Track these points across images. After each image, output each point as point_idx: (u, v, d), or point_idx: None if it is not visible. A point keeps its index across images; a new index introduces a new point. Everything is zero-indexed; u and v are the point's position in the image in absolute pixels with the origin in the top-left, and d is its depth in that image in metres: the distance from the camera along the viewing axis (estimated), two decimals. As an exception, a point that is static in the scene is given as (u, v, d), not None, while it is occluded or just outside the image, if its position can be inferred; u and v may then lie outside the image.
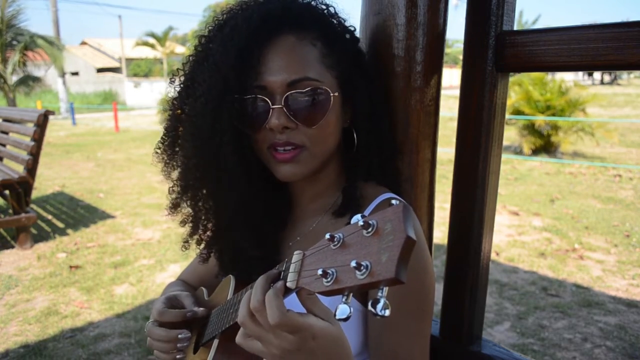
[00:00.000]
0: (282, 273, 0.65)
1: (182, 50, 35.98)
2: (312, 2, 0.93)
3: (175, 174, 0.98)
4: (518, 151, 9.80)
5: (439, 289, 1.39)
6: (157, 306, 0.97)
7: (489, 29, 1.01)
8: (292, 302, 0.67)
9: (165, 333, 0.94)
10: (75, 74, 37.31)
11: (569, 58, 0.90)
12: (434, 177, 1.10)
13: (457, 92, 1.18)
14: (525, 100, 9.64)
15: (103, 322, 3.30)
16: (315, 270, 0.55)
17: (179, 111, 0.96)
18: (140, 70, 39.73)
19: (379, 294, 0.48)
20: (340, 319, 0.54)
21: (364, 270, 0.49)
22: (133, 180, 7.98)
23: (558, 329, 3.17)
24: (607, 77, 43.42)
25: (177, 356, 0.95)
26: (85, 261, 4.42)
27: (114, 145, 12.24)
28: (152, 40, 35.66)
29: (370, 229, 0.50)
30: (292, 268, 0.62)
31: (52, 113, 4.79)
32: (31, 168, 4.62)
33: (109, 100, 28.81)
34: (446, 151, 7.97)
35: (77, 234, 5.19)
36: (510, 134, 10.23)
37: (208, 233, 1.01)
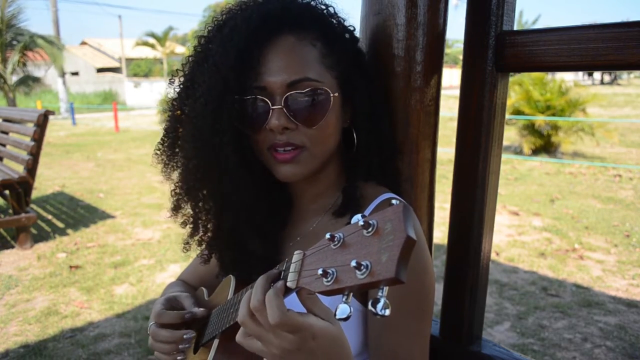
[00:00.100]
0: (283, 273, 0.65)
1: (182, 50, 35.97)
2: (312, 2, 0.93)
3: (175, 175, 0.98)
4: (518, 151, 9.80)
5: (439, 289, 1.39)
6: (156, 308, 0.97)
7: (489, 29, 1.01)
8: (293, 302, 0.67)
9: (170, 334, 0.94)
10: (75, 74, 37.31)
11: (569, 58, 0.90)
12: (434, 177, 1.10)
13: (457, 92, 1.18)
14: (525, 100, 9.64)
15: (103, 322, 3.30)
16: (316, 270, 0.55)
17: (179, 112, 0.96)
18: (140, 70, 39.73)
19: (379, 293, 0.49)
20: (340, 319, 0.54)
21: (364, 270, 0.49)
22: (133, 180, 7.98)
23: (558, 329, 3.17)
24: (607, 77, 43.42)
25: (179, 357, 0.95)
26: (85, 261, 4.42)
27: (114, 145, 12.24)
28: (152, 40, 35.67)
29: (370, 229, 0.50)
30: (292, 268, 0.62)
31: (52, 113, 4.79)
32: (31, 168, 4.62)
33: (109, 100, 28.81)
34: (446, 151, 7.97)
35: (77, 234, 5.19)
36: (510, 134, 10.23)
37: (208, 234, 1.01)
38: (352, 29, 0.96)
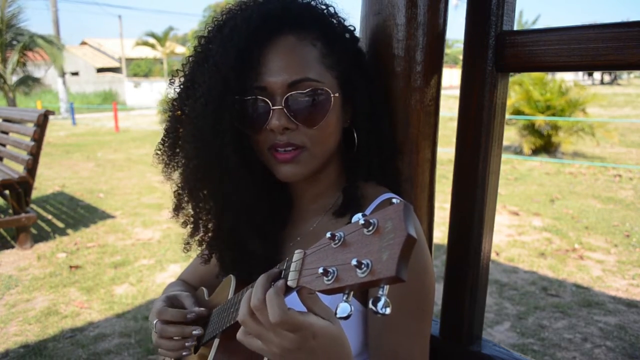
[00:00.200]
0: (283, 272, 0.65)
1: (182, 50, 35.98)
2: (312, 2, 0.93)
3: (176, 175, 0.98)
4: (518, 151, 9.80)
5: (439, 289, 1.39)
6: (157, 305, 0.97)
7: (489, 29, 1.01)
8: (293, 302, 0.67)
9: (179, 330, 0.93)
10: (75, 74, 37.31)
11: (569, 58, 0.91)
12: (434, 177, 1.10)
13: (457, 92, 1.18)
14: (525, 100, 9.64)
15: (103, 322, 3.30)
16: (316, 269, 0.55)
17: (179, 112, 0.96)
18: (140, 70, 39.73)
19: (380, 292, 0.49)
20: (341, 318, 0.54)
21: (365, 268, 0.49)
22: (133, 180, 7.98)
23: (558, 329, 3.17)
24: (607, 77, 43.43)
25: (184, 352, 0.95)
26: (85, 261, 4.42)
27: (114, 145, 12.24)
28: (152, 40, 35.67)
29: (371, 228, 0.50)
30: (293, 267, 0.62)
31: (52, 113, 4.79)
32: (31, 168, 4.62)
33: (109, 100, 28.81)
34: (446, 151, 7.97)
35: (77, 234, 5.19)
36: (510, 134, 10.23)
37: (209, 234, 1.01)
38: (352, 29, 0.96)
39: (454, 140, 1.13)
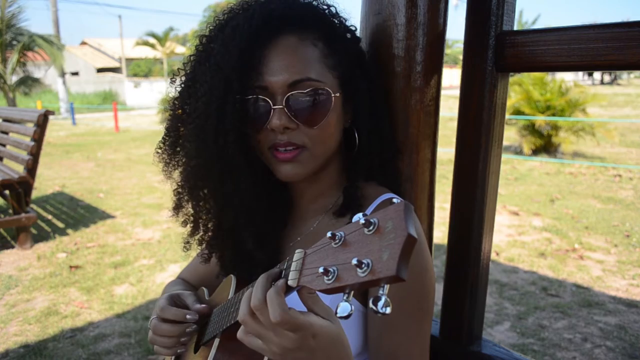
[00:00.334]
0: (284, 271, 0.65)
1: (182, 50, 35.98)
2: (314, 2, 0.93)
3: (176, 174, 0.98)
4: (518, 151, 9.80)
5: (439, 289, 1.39)
6: (160, 303, 0.97)
7: (489, 29, 1.01)
8: (292, 302, 0.67)
9: (172, 328, 0.94)
10: (75, 74, 37.32)
11: (569, 58, 0.91)
12: (434, 177, 1.10)
13: (457, 92, 1.18)
14: (525, 100, 9.64)
15: (103, 322, 3.30)
16: (317, 269, 0.56)
17: (180, 111, 0.96)
18: (140, 70, 39.73)
19: (380, 291, 0.49)
20: (341, 317, 0.54)
21: (365, 268, 0.49)
22: (133, 180, 7.98)
23: (558, 329, 3.17)
24: (607, 77, 43.43)
25: (179, 350, 0.95)
26: (85, 261, 4.42)
27: (114, 145, 12.24)
28: (152, 40, 35.67)
29: (371, 227, 0.51)
30: (293, 266, 0.62)
31: (52, 113, 4.79)
32: (31, 168, 4.62)
33: (109, 100, 28.81)
34: (446, 151, 7.97)
35: (77, 234, 5.19)
36: (510, 134, 10.23)
37: (209, 233, 1.01)
38: (353, 29, 0.97)
39: (454, 140, 1.13)
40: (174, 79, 0.98)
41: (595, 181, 7.44)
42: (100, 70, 37.28)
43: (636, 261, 4.28)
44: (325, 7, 0.94)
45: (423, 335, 0.89)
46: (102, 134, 15.18)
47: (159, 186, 7.22)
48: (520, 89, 9.91)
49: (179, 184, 0.98)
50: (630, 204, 6.10)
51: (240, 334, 0.70)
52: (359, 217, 0.52)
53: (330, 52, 0.90)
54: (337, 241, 0.55)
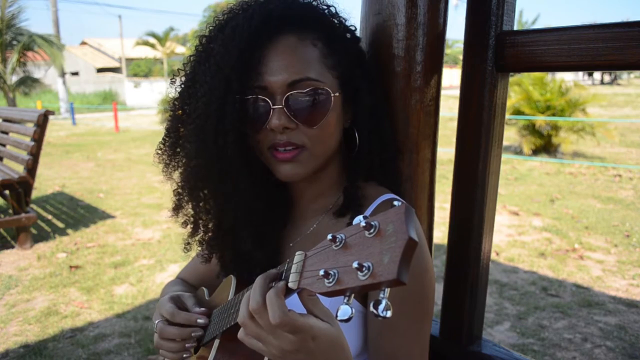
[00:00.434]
0: (284, 273, 0.65)
1: (182, 50, 35.98)
2: (314, 2, 0.93)
3: (176, 175, 0.98)
4: (518, 151, 9.80)
5: (439, 289, 1.39)
6: (167, 307, 0.95)
7: (489, 29, 1.01)
8: (292, 304, 0.67)
9: (179, 331, 0.92)
10: (75, 74, 37.32)
11: (569, 58, 0.91)
12: (434, 177, 1.10)
13: (457, 92, 1.18)
14: (525, 100, 9.64)
15: (103, 322, 3.30)
16: (317, 271, 0.55)
17: (180, 111, 0.96)
18: (140, 70, 39.73)
19: (381, 295, 0.49)
20: (341, 320, 0.54)
21: (366, 271, 0.49)
22: (133, 180, 7.98)
23: (558, 329, 3.17)
24: (607, 77, 43.43)
25: (185, 354, 0.94)
26: (85, 261, 4.42)
27: (114, 145, 12.24)
28: (152, 40, 35.67)
29: (372, 230, 0.50)
30: (294, 268, 0.62)
31: (52, 113, 4.78)
32: (31, 168, 4.61)
33: (109, 100, 28.81)
34: (446, 151, 7.97)
35: (77, 234, 5.19)
36: (510, 134, 10.23)
37: (209, 233, 1.01)
38: (353, 29, 0.96)
39: (454, 140, 1.13)
40: (174, 80, 0.98)
41: (595, 181, 7.44)
42: (100, 70, 37.28)
43: (636, 261, 4.28)
44: (325, 7, 0.94)
45: (423, 336, 0.89)
46: (102, 134, 15.18)
47: (159, 186, 7.22)
48: (520, 89, 9.91)
49: (179, 184, 0.97)
50: (630, 204, 6.10)
51: (240, 334, 0.70)
52: (359, 220, 0.52)
53: (329, 52, 0.90)
54: (338, 244, 0.55)
